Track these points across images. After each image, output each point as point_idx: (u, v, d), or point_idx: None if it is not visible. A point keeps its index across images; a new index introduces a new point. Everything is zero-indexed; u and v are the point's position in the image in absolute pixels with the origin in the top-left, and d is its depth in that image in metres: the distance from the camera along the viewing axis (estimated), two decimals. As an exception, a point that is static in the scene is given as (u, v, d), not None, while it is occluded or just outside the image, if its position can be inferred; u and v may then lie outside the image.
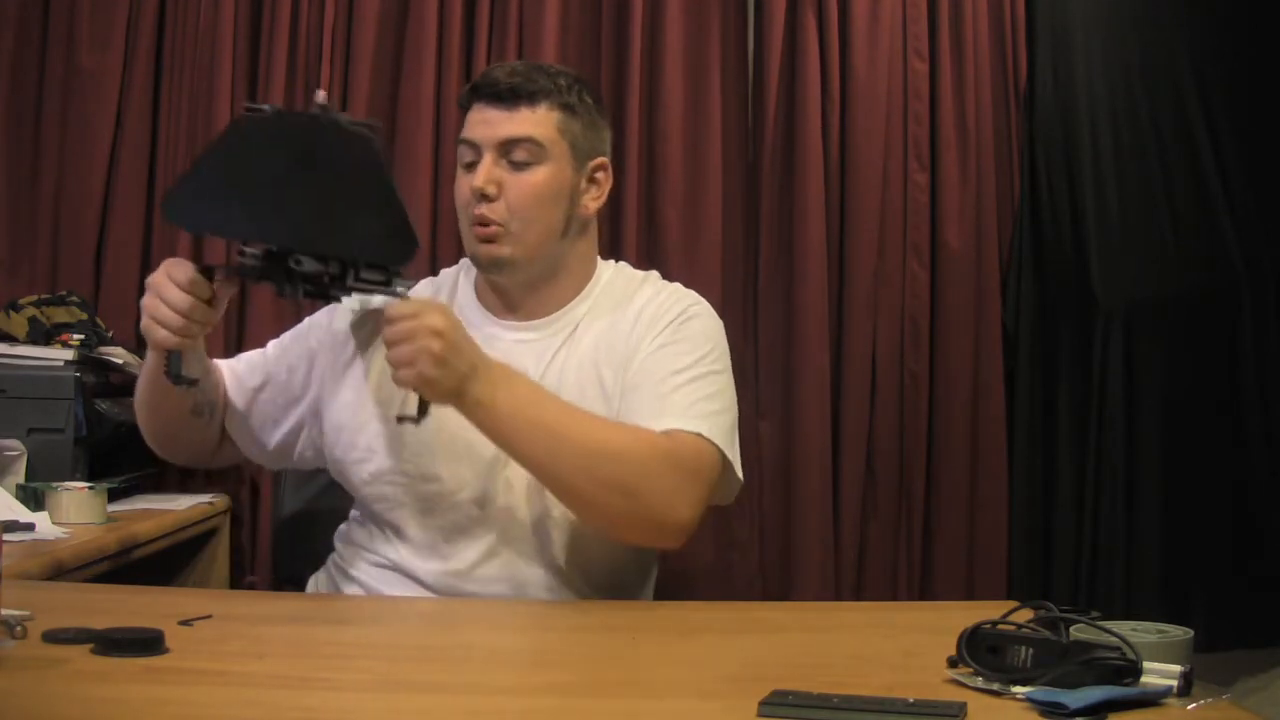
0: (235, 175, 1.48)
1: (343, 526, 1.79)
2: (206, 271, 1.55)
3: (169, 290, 1.54)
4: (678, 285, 1.81)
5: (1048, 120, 2.86)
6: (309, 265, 1.48)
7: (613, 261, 1.83)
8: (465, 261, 1.81)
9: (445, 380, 1.50)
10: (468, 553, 1.65)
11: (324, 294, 1.52)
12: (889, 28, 2.86)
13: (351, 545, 1.74)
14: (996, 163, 2.88)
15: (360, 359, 1.74)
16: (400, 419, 1.54)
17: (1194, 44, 2.84)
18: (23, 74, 2.83)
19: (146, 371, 1.70)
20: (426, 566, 1.66)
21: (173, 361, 1.57)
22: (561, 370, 1.69)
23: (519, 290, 1.73)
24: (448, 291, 1.80)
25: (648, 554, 1.80)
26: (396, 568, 1.68)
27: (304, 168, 1.45)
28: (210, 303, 1.56)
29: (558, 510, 1.64)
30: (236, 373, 1.82)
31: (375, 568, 1.69)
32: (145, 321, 1.57)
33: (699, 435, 1.61)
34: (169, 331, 1.55)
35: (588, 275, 1.77)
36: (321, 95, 1.47)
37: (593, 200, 1.74)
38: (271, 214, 1.48)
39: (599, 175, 1.75)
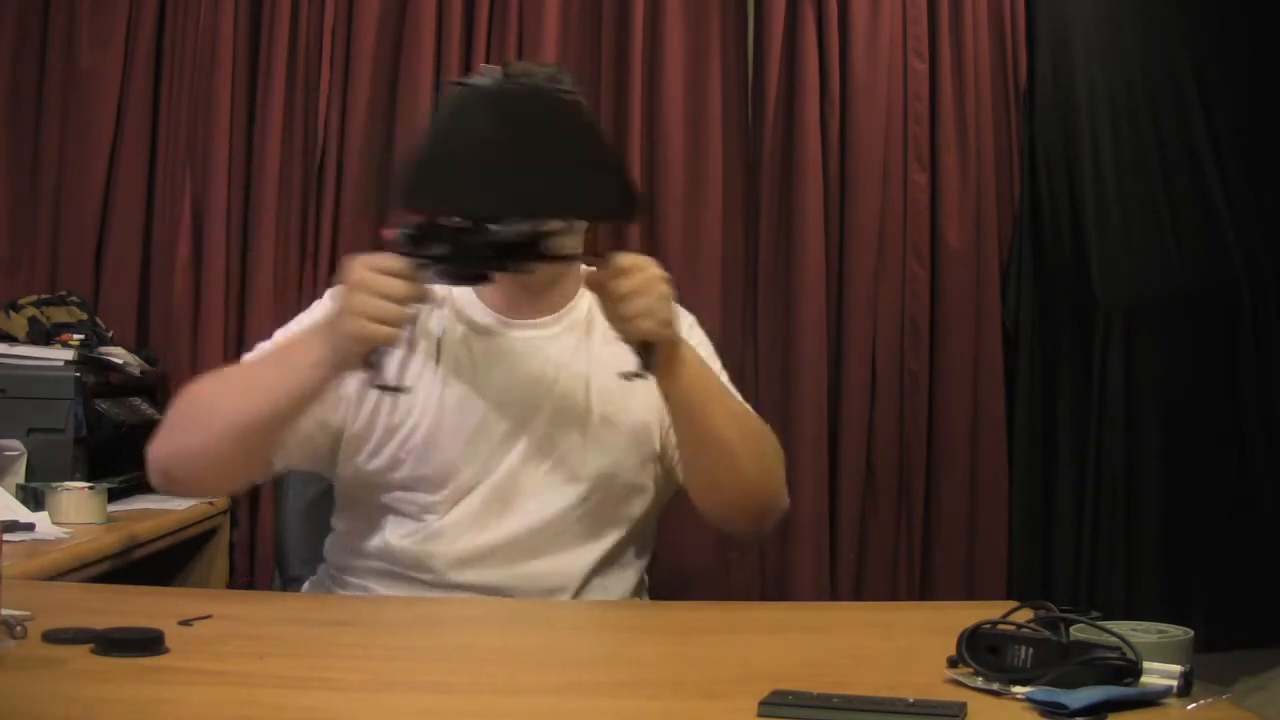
0: (454, 150, 1.43)
1: (330, 540, 1.79)
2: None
3: (384, 283, 1.43)
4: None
5: (1048, 120, 2.86)
6: (511, 231, 1.43)
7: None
8: None
9: (674, 330, 1.53)
10: (463, 541, 1.66)
11: (519, 263, 1.47)
12: (889, 28, 2.86)
13: (343, 553, 1.73)
14: (996, 163, 2.88)
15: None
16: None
17: (1194, 44, 2.84)
18: (23, 74, 2.83)
19: (295, 390, 1.52)
20: (424, 549, 1.66)
21: (380, 364, 1.45)
22: (590, 361, 1.70)
23: (535, 287, 1.71)
24: (443, 294, 1.77)
25: (643, 540, 1.79)
26: (391, 560, 1.67)
27: (521, 137, 1.42)
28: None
29: (554, 493, 1.67)
30: None
31: (370, 572, 1.69)
32: (356, 325, 1.43)
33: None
34: (388, 327, 1.43)
35: (575, 277, 1.77)
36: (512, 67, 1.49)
37: None
38: (495, 185, 1.44)
39: None
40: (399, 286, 1.43)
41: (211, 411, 1.56)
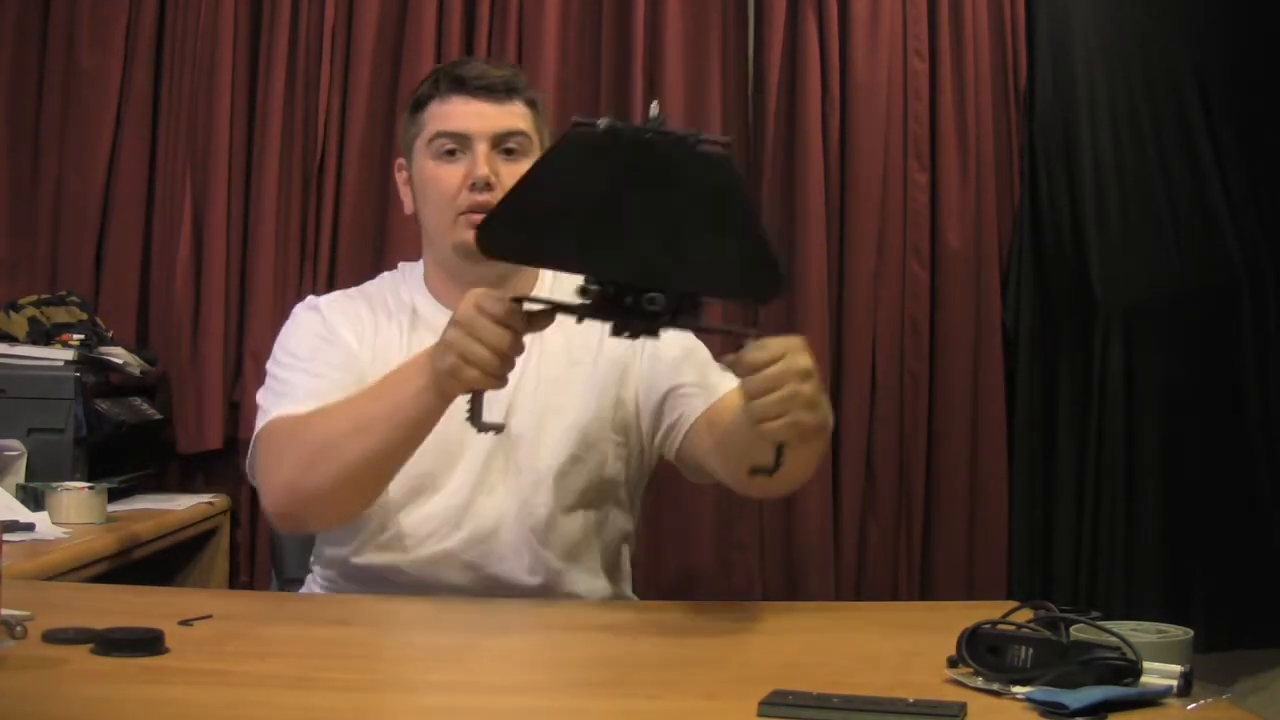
0: (564, 199, 1.29)
1: (315, 548, 1.78)
2: (519, 303, 1.39)
3: (484, 328, 1.38)
4: None
5: (1048, 120, 2.86)
6: (659, 304, 1.29)
7: None
8: (405, 266, 1.82)
9: (817, 423, 1.39)
10: (450, 543, 1.65)
11: (655, 331, 1.34)
12: (889, 28, 2.86)
13: (329, 564, 1.72)
14: (996, 163, 2.88)
15: (361, 348, 1.72)
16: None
17: (1194, 44, 2.84)
18: (23, 74, 2.83)
19: (407, 420, 1.50)
20: (407, 557, 1.65)
21: (478, 405, 1.40)
22: (541, 355, 1.70)
23: (493, 280, 1.63)
24: (395, 300, 1.77)
25: (622, 537, 1.79)
26: (353, 568, 1.67)
27: (645, 190, 1.26)
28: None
29: (539, 498, 1.68)
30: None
31: (357, 579, 1.69)
32: (452, 363, 1.39)
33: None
34: (483, 374, 1.39)
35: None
36: (656, 107, 1.29)
37: None
38: (610, 244, 1.30)
39: None
40: (499, 335, 1.38)
41: (327, 453, 1.54)
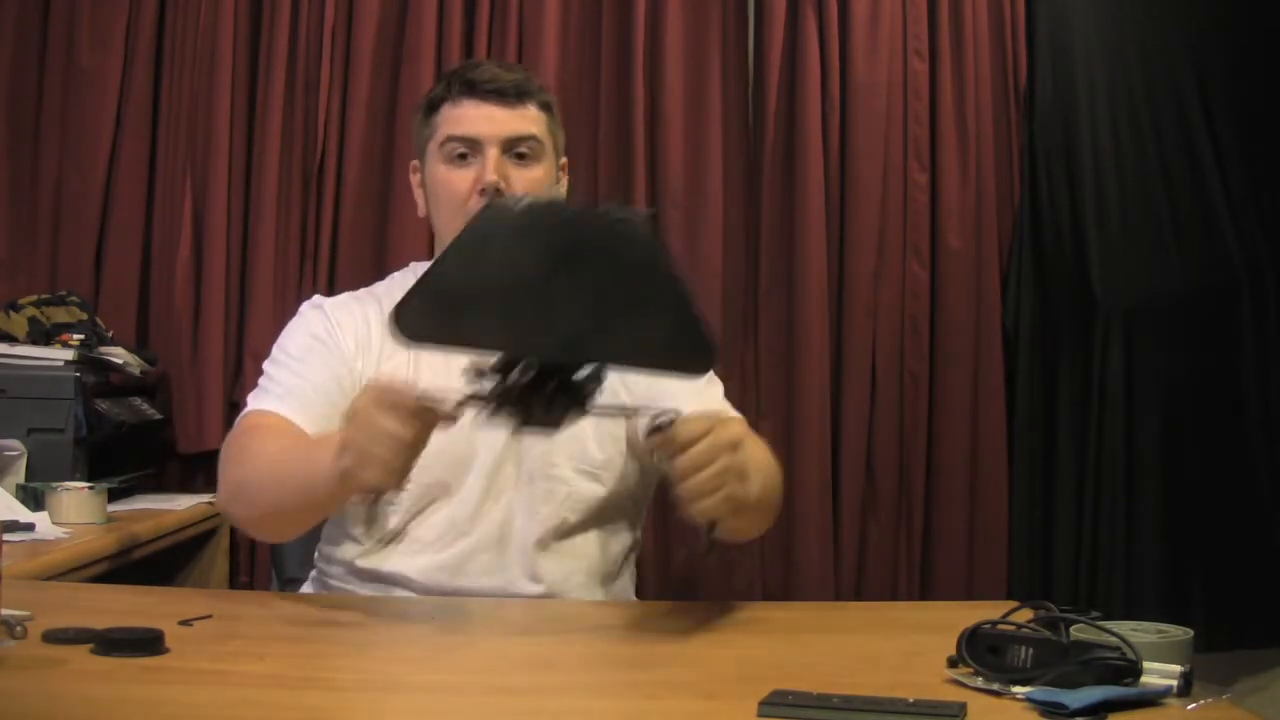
0: (484, 280, 1.24)
1: (320, 545, 1.78)
2: (427, 398, 1.30)
3: (388, 422, 1.28)
4: None
5: (1048, 120, 2.86)
6: (590, 383, 1.25)
7: None
8: (416, 266, 1.80)
9: (747, 494, 1.36)
10: (456, 549, 1.65)
11: (578, 414, 1.29)
12: (889, 28, 2.86)
13: (333, 561, 1.72)
14: (996, 163, 2.88)
15: (363, 359, 1.71)
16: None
17: (1194, 44, 2.84)
18: (23, 74, 2.83)
19: (316, 496, 1.44)
20: (415, 563, 1.65)
21: (375, 507, 1.31)
22: None
23: None
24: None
25: (627, 550, 1.78)
26: (357, 570, 1.67)
27: (567, 268, 1.21)
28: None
29: (547, 509, 1.67)
30: (329, 421, 1.62)
31: (362, 580, 1.68)
32: (348, 464, 1.31)
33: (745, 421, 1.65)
34: (382, 475, 1.29)
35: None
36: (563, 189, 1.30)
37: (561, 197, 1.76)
38: (533, 323, 1.24)
39: (562, 173, 1.79)
40: (401, 434, 1.28)
41: (250, 491, 1.55)
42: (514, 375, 1.24)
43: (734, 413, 1.72)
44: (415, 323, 1.28)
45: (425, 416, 1.29)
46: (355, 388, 1.64)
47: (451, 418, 1.30)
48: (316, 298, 1.80)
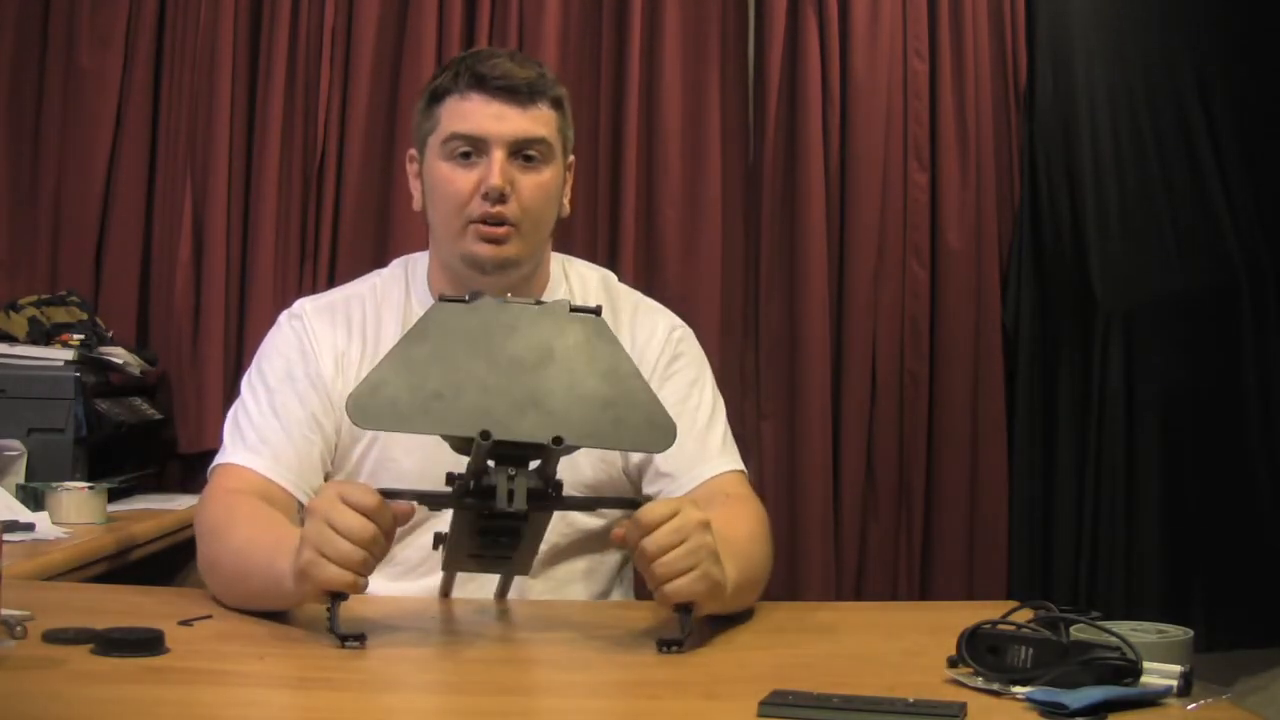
0: (440, 371, 1.25)
1: None
2: (389, 495, 1.29)
3: (347, 518, 1.24)
4: (649, 301, 1.79)
5: (1048, 120, 2.86)
6: (551, 467, 1.27)
7: (556, 254, 1.77)
8: (407, 260, 1.74)
9: (723, 574, 1.32)
10: (442, 573, 1.57)
11: (542, 509, 1.29)
12: (889, 28, 2.86)
13: None
14: (996, 163, 2.88)
15: (342, 378, 1.64)
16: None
17: (1194, 44, 2.84)
18: (23, 74, 2.83)
19: (279, 595, 1.35)
20: (399, 587, 1.62)
21: (336, 610, 1.26)
22: None
23: (503, 291, 1.53)
24: (398, 298, 1.70)
25: (619, 566, 1.76)
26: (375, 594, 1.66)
27: (519, 355, 1.27)
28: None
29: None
30: (301, 471, 1.60)
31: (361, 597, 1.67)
32: (308, 559, 1.25)
33: (741, 473, 1.66)
34: (342, 573, 1.24)
35: (548, 272, 1.73)
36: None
37: (568, 198, 1.71)
38: (487, 409, 1.24)
39: (569, 173, 1.71)
40: (363, 530, 1.25)
41: (222, 585, 1.48)
42: (474, 465, 1.25)
43: (706, 407, 1.69)
44: (370, 411, 1.26)
45: (384, 514, 1.27)
46: (333, 412, 1.61)
47: (410, 512, 1.30)
48: (298, 304, 1.71)
